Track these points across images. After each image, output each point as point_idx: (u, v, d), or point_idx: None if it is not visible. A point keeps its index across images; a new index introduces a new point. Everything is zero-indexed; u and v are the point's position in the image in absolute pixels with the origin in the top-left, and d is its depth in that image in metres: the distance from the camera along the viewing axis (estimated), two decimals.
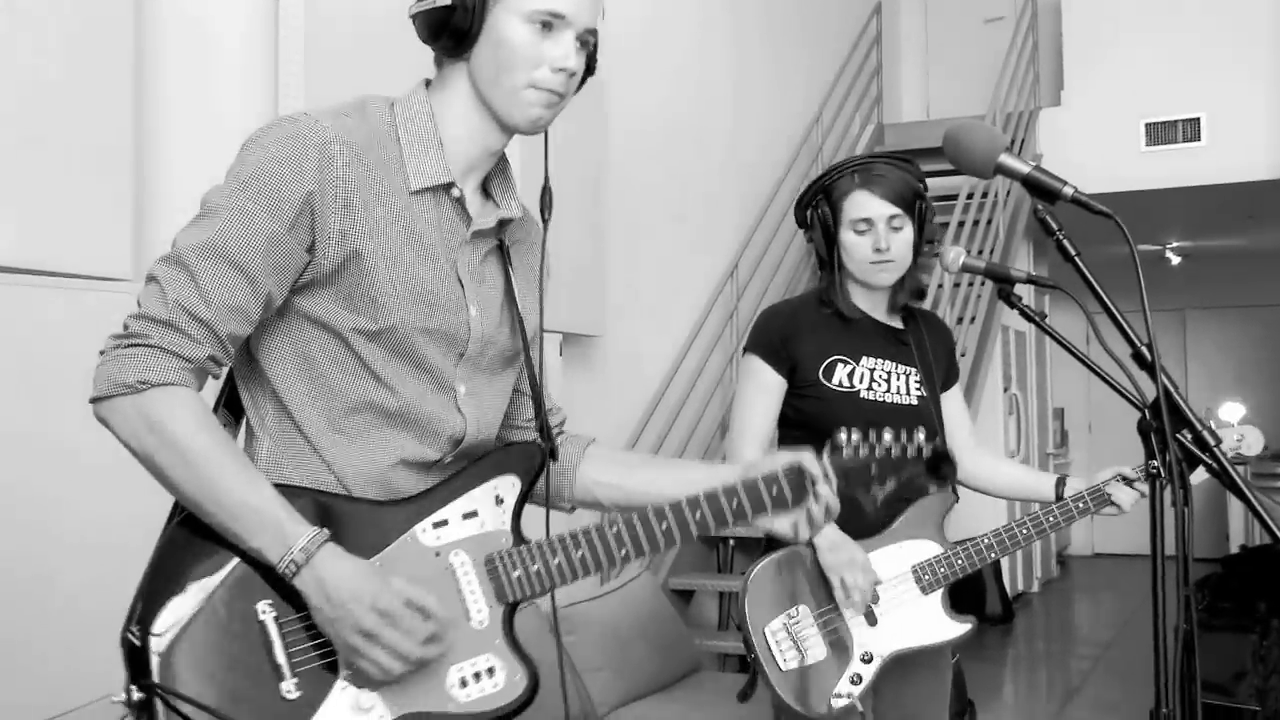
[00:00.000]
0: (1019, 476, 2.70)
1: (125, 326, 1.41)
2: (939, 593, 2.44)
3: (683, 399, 5.49)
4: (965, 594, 7.07)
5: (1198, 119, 7.59)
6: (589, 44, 1.54)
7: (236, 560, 1.42)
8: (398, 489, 1.53)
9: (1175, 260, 10.65)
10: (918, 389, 2.51)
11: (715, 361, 5.87)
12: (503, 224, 1.62)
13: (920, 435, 1.65)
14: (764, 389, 2.48)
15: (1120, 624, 8.21)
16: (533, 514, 1.61)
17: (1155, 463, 1.58)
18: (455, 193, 1.55)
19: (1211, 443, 1.55)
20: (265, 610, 1.41)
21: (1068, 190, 1.59)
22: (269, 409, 1.52)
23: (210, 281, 1.40)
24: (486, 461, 1.58)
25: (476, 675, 1.49)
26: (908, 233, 2.45)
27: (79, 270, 2.72)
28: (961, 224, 6.45)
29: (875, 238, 2.43)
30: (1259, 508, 1.48)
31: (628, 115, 5.17)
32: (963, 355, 6.33)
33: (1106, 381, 1.73)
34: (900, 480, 1.66)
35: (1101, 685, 6.43)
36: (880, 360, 2.48)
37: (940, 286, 6.18)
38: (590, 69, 1.57)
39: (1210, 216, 9.02)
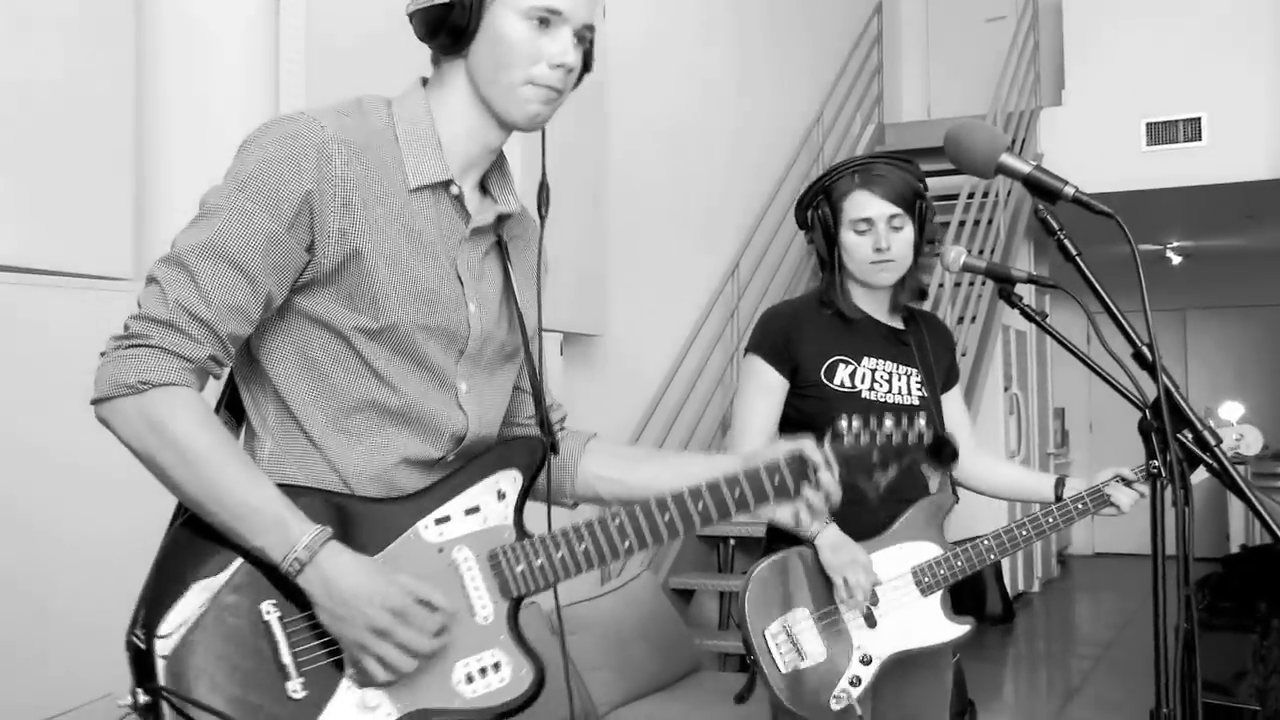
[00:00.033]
0: (1018, 477, 2.70)
1: (126, 327, 1.41)
2: (938, 594, 2.44)
3: (683, 399, 5.49)
4: (966, 594, 7.07)
5: (1198, 119, 7.59)
6: (586, 40, 1.54)
7: (240, 561, 1.41)
8: (401, 488, 1.53)
9: (1176, 260, 10.65)
10: (919, 389, 2.51)
11: (716, 361, 5.87)
12: (501, 220, 1.62)
13: (921, 421, 1.65)
14: (766, 389, 2.48)
15: (1121, 624, 8.21)
16: (535, 508, 1.61)
17: (1156, 463, 1.58)
18: (454, 190, 1.55)
19: (1212, 442, 1.55)
20: (269, 610, 1.41)
21: (1069, 190, 1.59)
22: (271, 409, 1.52)
23: (210, 281, 1.40)
24: (488, 457, 1.57)
25: (482, 670, 1.49)
26: (908, 233, 2.45)
27: (79, 269, 2.72)
28: (962, 224, 6.45)
29: (876, 238, 2.43)
30: (1259, 508, 1.48)
31: (629, 115, 5.17)
32: (963, 355, 6.33)
33: (1107, 381, 1.73)
34: (902, 466, 1.66)
35: (1102, 685, 6.43)
36: (881, 361, 2.48)
37: (941, 286, 6.18)
38: (587, 66, 1.57)
39: (1211, 216, 9.02)
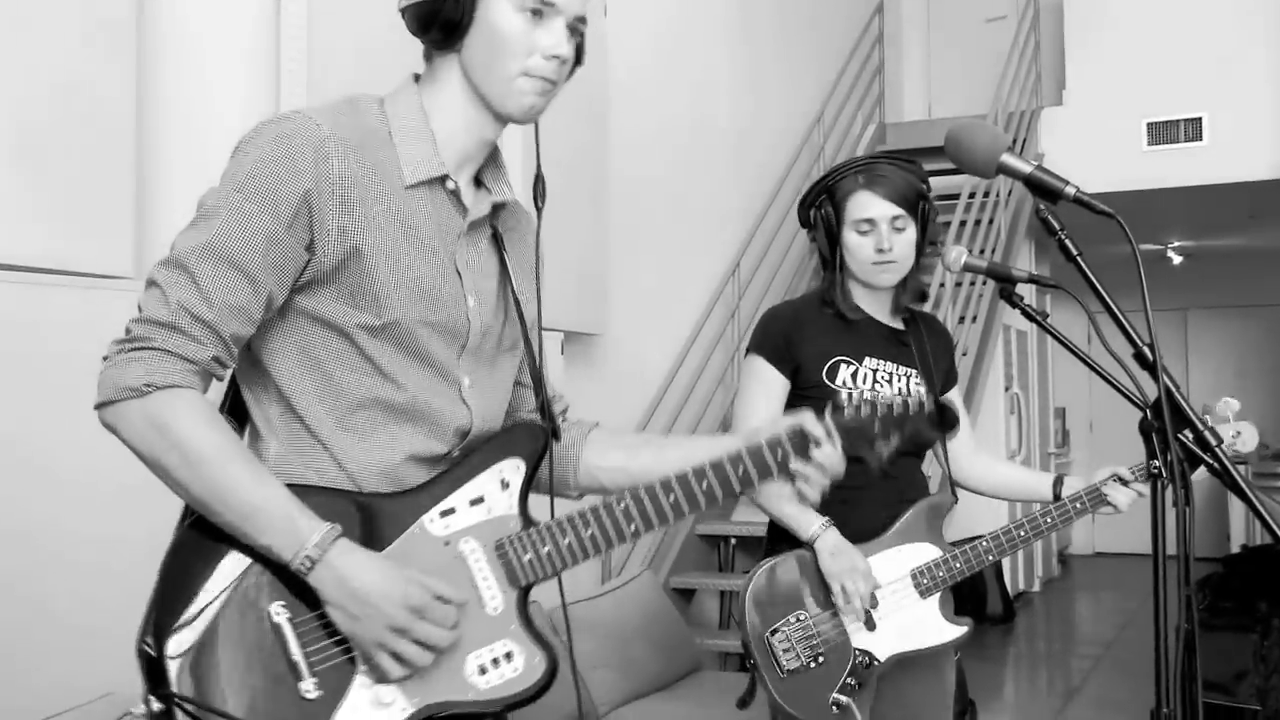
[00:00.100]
0: (1017, 477, 2.70)
1: (128, 331, 1.41)
2: (937, 595, 2.44)
3: (684, 398, 5.49)
4: (966, 594, 7.09)
5: (1199, 118, 7.59)
6: (579, 32, 1.54)
7: (249, 562, 1.41)
8: (407, 485, 1.52)
9: (1177, 260, 10.65)
10: (918, 390, 2.51)
11: (717, 361, 5.87)
12: (496, 210, 1.62)
13: (921, 389, 1.65)
14: (767, 389, 2.48)
15: (1121, 623, 8.21)
16: (540, 500, 1.61)
17: (1156, 463, 1.58)
18: (450, 185, 1.55)
19: (1213, 443, 1.55)
20: (279, 611, 1.41)
21: (1070, 190, 1.59)
22: (275, 410, 1.51)
23: (211, 282, 1.40)
24: (490, 446, 1.57)
25: (495, 661, 1.49)
26: (910, 234, 2.45)
27: (79, 269, 2.72)
28: (963, 223, 6.45)
29: (878, 238, 2.42)
30: (1260, 508, 1.48)
31: (630, 115, 5.17)
32: (964, 355, 6.33)
33: (1108, 381, 1.73)
34: (905, 435, 1.66)
35: (1102, 685, 6.43)
36: (882, 361, 2.48)
37: (942, 286, 6.18)
38: (579, 59, 1.57)
39: (1212, 216, 9.02)
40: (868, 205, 2.43)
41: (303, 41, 3.28)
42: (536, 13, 1.49)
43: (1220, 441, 1.56)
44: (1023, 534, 2.45)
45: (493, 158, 1.63)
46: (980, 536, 2.47)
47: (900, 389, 2.49)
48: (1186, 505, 1.52)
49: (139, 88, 2.93)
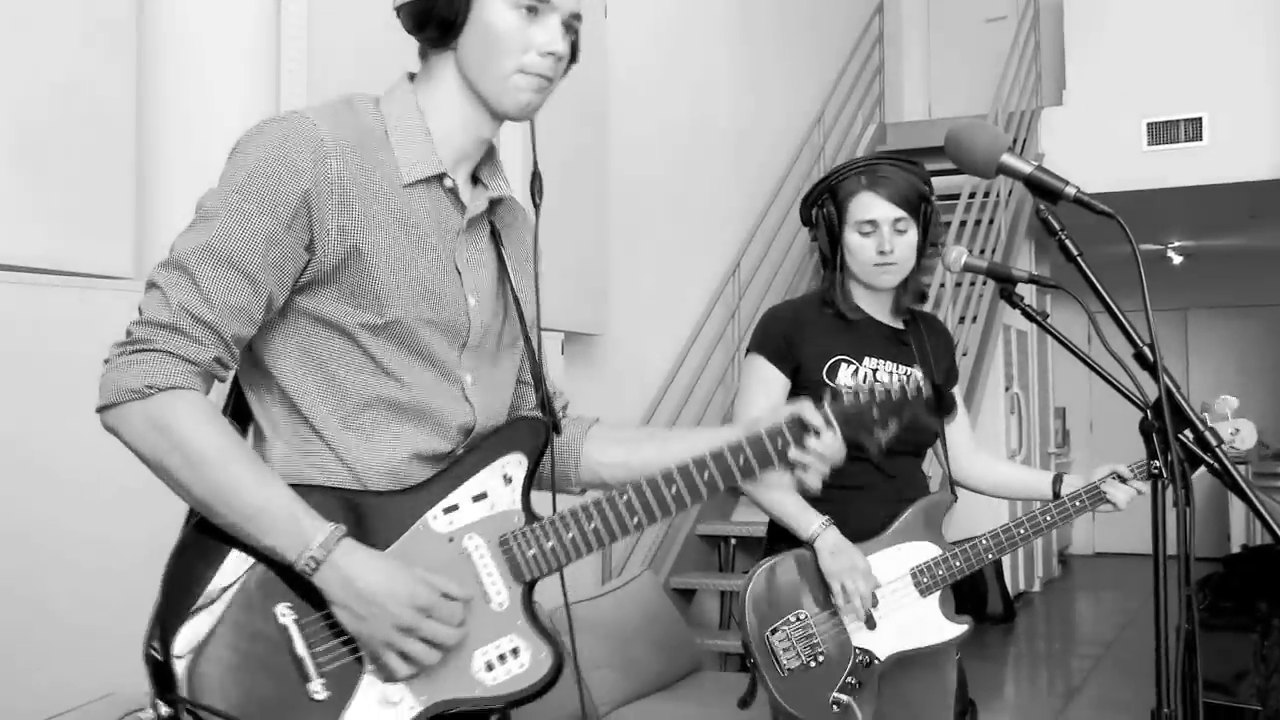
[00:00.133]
0: (1017, 476, 2.71)
1: (129, 333, 1.40)
2: (937, 594, 2.44)
3: (684, 398, 5.49)
4: (967, 593, 7.09)
5: (1199, 118, 7.59)
6: (574, 28, 1.55)
7: (252, 563, 1.41)
8: (411, 483, 1.52)
9: (1177, 260, 10.65)
10: (916, 375, 2.51)
11: (717, 361, 5.87)
12: (493, 205, 1.62)
13: (918, 374, 1.65)
14: (768, 389, 2.48)
15: (1122, 623, 8.21)
16: (542, 497, 1.60)
17: (1157, 463, 1.58)
18: (448, 183, 1.55)
19: (1213, 443, 1.55)
20: (285, 612, 1.40)
21: (1070, 190, 1.59)
22: (279, 411, 1.51)
23: (211, 283, 1.40)
24: (491, 442, 1.57)
25: (501, 657, 1.49)
26: (912, 235, 2.45)
27: (79, 269, 2.72)
28: (964, 223, 6.45)
29: (879, 240, 2.42)
30: (1260, 508, 1.48)
31: (630, 114, 5.17)
32: (964, 355, 6.33)
33: (1108, 381, 1.73)
34: (903, 421, 1.66)
35: (1103, 685, 6.43)
36: (882, 361, 2.48)
37: (942, 286, 6.18)
38: (574, 56, 1.57)
39: (1212, 216, 9.02)
40: (870, 206, 2.43)
41: (303, 41, 3.28)
42: (531, 10, 1.49)
43: (1220, 442, 1.56)
44: (1022, 532, 2.45)
45: (489, 155, 1.63)
46: (980, 535, 2.47)
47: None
48: (1187, 505, 1.52)
49: (139, 88, 2.93)
